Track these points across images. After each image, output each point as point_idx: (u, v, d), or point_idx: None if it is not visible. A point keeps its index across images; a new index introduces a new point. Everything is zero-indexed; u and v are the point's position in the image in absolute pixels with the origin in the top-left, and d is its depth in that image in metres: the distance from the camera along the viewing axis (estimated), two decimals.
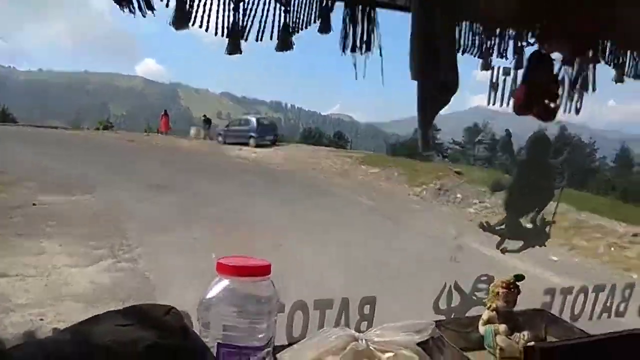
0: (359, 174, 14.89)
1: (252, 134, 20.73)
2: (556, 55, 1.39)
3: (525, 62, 1.36)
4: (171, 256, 6.06)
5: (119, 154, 15.93)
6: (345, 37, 1.15)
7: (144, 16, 0.93)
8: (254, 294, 0.86)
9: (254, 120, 21.64)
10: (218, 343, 0.84)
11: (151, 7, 0.92)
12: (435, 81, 1.16)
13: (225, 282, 0.85)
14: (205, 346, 0.77)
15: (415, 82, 1.15)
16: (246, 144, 20.60)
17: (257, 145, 20.34)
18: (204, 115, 25.36)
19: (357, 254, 6.56)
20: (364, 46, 1.16)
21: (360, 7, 1.17)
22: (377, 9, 1.21)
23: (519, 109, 1.34)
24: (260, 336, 0.86)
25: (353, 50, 1.15)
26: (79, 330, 0.65)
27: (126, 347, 0.61)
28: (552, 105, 1.39)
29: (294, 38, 1.09)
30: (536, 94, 1.37)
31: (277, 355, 0.99)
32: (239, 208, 9.37)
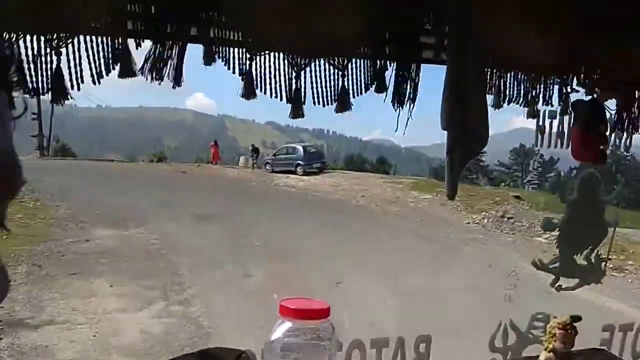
0: (409, 200, 14.21)
1: (300, 162, 20.69)
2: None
3: (575, 109, 1.38)
4: (224, 297, 5.73)
5: (171, 185, 16.11)
6: (394, 92, 1.22)
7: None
8: (315, 336, 0.89)
9: (300, 148, 21.58)
10: None
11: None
12: (463, 130, 1.17)
13: (287, 325, 0.89)
14: None
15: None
16: (294, 172, 20.43)
17: (304, 173, 20.09)
18: (252, 145, 25.61)
19: (414, 288, 6.20)
20: (410, 100, 1.24)
21: (410, 66, 1.23)
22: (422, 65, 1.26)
23: (578, 156, 1.39)
24: None
25: (400, 104, 1.23)
26: None
27: None
28: (603, 148, 1.41)
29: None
30: (591, 140, 1.38)
31: None
32: (289, 239, 9.01)
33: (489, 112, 1.25)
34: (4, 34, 0.95)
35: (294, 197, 14.39)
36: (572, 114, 1.44)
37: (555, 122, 1.41)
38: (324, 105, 1.15)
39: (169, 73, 1.07)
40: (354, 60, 1.19)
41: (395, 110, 1.24)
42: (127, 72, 1.05)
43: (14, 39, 0.96)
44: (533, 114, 1.39)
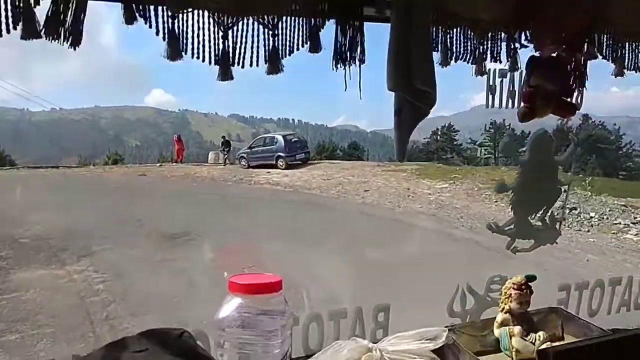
0: (425, 192, 11.74)
1: (280, 154, 17.96)
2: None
3: (525, 68, 1.36)
4: None
5: (128, 193, 13.03)
6: (336, 52, 1.16)
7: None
8: (266, 309, 0.88)
9: (280, 137, 18.77)
10: None
11: None
12: (410, 90, 1.14)
13: (237, 301, 0.88)
14: None
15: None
16: (274, 166, 17.61)
17: (287, 166, 17.36)
18: (223, 137, 22.49)
19: None
20: (356, 59, 1.18)
21: (350, 22, 1.16)
22: (365, 23, 1.19)
23: (524, 116, 1.37)
24: (275, 352, 0.89)
25: (345, 64, 1.17)
26: (99, 358, 0.66)
27: None
28: (569, 99, 1.41)
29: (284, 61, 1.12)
30: (540, 98, 1.36)
31: None
32: (303, 275, 6.23)
33: (435, 71, 1.20)
34: None
35: (284, 199, 11.68)
36: (525, 72, 1.39)
37: (506, 81, 1.38)
38: (250, 66, 1.09)
39: (66, 32, 0.96)
40: (284, 18, 1.12)
41: (335, 70, 1.16)
42: (31, 32, 0.93)
43: None
44: (482, 71, 1.36)
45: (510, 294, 1.29)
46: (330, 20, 1.15)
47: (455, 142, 41.09)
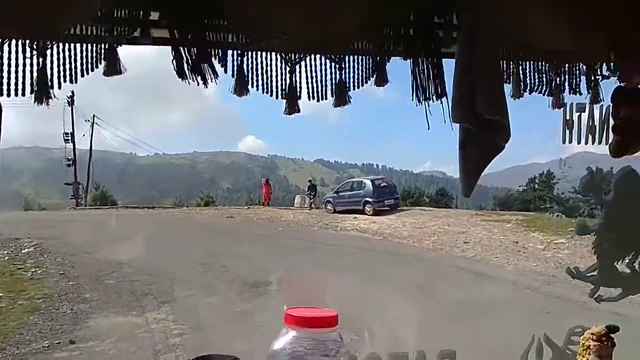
0: (539, 247, 10.10)
1: (368, 199, 17.19)
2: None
3: (610, 100, 1.27)
4: None
5: (214, 236, 12.89)
6: (415, 88, 1.16)
7: (205, 86, 1.09)
8: (320, 344, 0.88)
9: (369, 182, 18.02)
10: None
11: (216, 75, 1.09)
12: (477, 121, 1.08)
13: (292, 334, 0.90)
14: None
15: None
16: (361, 212, 16.77)
17: (374, 212, 16.42)
18: (310, 181, 22.39)
19: None
20: (434, 94, 1.16)
21: (426, 59, 1.17)
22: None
23: (617, 151, 1.28)
24: None
25: (426, 99, 1.16)
26: None
27: None
28: None
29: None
30: (632, 132, 1.27)
31: None
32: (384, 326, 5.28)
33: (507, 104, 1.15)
34: None
35: (373, 249, 10.71)
36: (610, 105, 1.29)
37: (585, 115, 1.28)
38: (319, 100, 1.13)
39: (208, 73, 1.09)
40: (351, 55, 1.15)
41: (417, 105, 1.16)
42: (113, 70, 1.06)
43: None
44: (559, 104, 1.29)
45: (589, 346, 1.21)
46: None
47: (555, 191, 37.52)
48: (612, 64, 1.28)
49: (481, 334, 5.13)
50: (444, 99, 1.15)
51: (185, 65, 1.06)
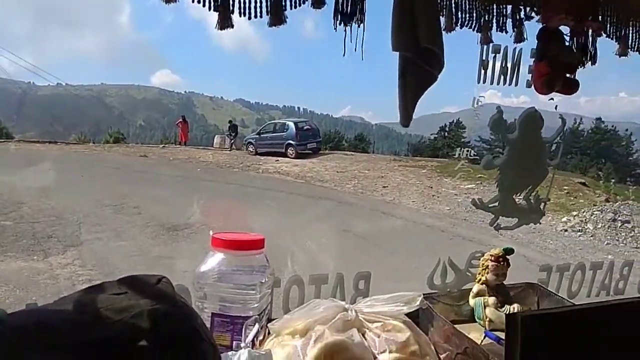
0: (452, 192, 10.77)
1: (291, 142, 16.85)
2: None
3: (536, 38, 1.34)
4: None
5: (127, 176, 12.05)
6: (336, 10, 1.10)
7: None
8: (246, 265, 0.91)
9: (292, 124, 17.60)
10: (212, 313, 0.90)
11: None
12: (416, 50, 1.09)
13: (219, 256, 0.92)
14: (193, 312, 0.73)
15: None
16: (283, 155, 16.56)
17: (297, 155, 16.32)
18: (230, 121, 21.31)
19: None
20: (355, 15, 1.11)
21: None
22: None
23: (543, 87, 1.33)
24: (253, 307, 0.91)
25: (344, 22, 1.10)
26: (78, 299, 0.65)
27: (118, 314, 0.61)
28: (572, 77, 1.37)
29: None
30: (558, 69, 1.32)
31: (269, 325, 0.98)
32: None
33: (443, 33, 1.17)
34: None
35: (296, 191, 10.69)
36: (537, 43, 1.37)
37: (499, 57, 1.31)
38: (253, 17, 1.03)
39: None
40: None
41: (336, 30, 1.10)
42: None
43: None
44: (488, 39, 1.33)
45: (487, 265, 1.34)
46: None
47: (462, 140, 39.90)
48: (535, 3, 1.34)
49: (396, 264, 5.47)
50: (362, 25, 1.12)
51: None
